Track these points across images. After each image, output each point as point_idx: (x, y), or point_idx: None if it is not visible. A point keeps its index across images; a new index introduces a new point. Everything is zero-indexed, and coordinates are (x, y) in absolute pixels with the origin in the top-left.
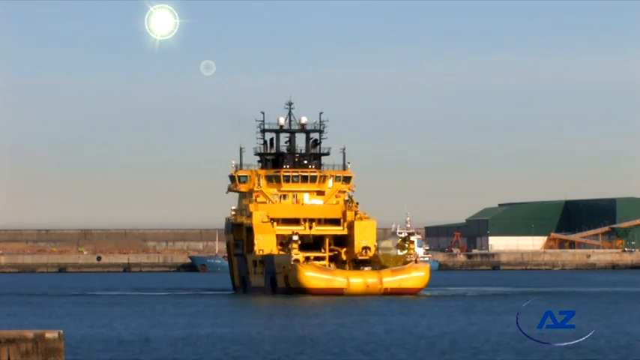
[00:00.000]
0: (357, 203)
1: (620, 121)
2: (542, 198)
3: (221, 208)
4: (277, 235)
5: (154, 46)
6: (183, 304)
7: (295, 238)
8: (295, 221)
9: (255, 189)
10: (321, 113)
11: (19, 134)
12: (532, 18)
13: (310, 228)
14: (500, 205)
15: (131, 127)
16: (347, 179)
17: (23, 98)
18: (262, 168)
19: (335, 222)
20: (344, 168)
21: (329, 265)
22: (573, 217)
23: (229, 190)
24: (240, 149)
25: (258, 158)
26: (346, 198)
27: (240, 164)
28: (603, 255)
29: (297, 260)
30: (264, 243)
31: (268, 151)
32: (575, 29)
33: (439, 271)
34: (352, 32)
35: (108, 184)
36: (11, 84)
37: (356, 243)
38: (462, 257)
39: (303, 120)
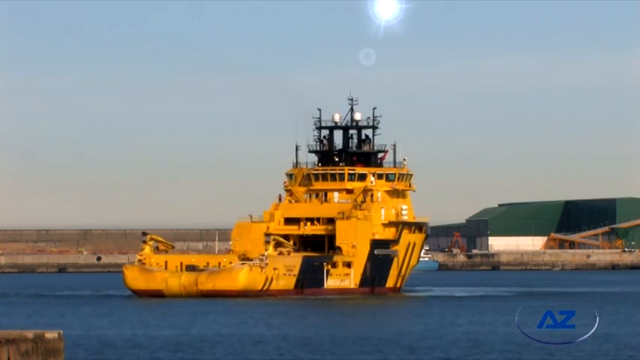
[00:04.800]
0: (362, 203)
1: (619, 121)
2: (542, 198)
3: (221, 208)
4: (272, 235)
5: (377, 31)
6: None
7: (145, 238)
8: (309, 221)
9: (286, 188)
10: (374, 109)
11: (18, 134)
12: (532, 18)
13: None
14: (500, 205)
15: (133, 127)
16: (390, 177)
17: (22, 98)
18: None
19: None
20: (394, 165)
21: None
22: (573, 218)
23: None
24: (296, 147)
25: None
26: (370, 196)
27: (297, 162)
28: (603, 255)
29: (139, 261)
30: (239, 244)
31: (319, 149)
32: (574, 30)
33: (439, 271)
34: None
35: (108, 184)
36: (10, 84)
37: (336, 243)
38: (461, 257)
39: (357, 116)
